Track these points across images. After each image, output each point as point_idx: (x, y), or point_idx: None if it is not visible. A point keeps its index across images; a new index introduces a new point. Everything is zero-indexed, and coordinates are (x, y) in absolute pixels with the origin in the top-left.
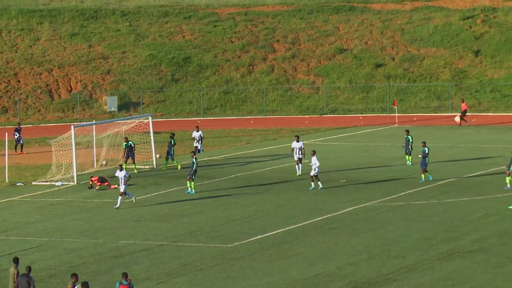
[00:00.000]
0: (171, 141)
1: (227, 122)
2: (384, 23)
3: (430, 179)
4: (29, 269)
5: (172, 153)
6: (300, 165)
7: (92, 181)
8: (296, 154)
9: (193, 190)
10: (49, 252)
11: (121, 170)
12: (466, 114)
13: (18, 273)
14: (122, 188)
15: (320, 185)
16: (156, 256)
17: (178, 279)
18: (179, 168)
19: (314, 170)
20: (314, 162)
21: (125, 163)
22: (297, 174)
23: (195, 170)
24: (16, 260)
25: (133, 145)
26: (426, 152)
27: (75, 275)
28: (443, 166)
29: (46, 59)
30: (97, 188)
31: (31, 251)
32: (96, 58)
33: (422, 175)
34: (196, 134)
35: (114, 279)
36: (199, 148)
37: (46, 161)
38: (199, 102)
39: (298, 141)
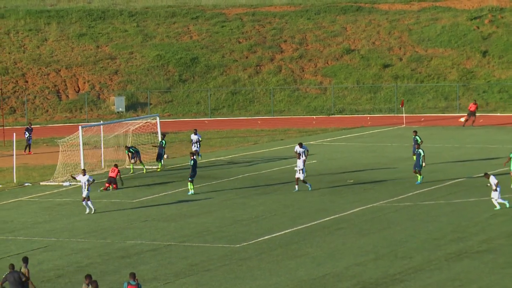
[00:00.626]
0: (162, 143)
1: (235, 123)
2: (392, 23)
3: (418, 183)
4: (12, 266)
5: (162, 154)
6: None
7: (112, 171)
8: (301, 157)
9: (191, 191)
10: (57, 252)
11: (84, 174)
12: (475, 115)
13: (28, 272)
14: (84, 193)
15: (296, 188)
16: (163, 256)
17: (185, 279)
18: (158, 170)
19: (299, 172)
20: (299, 165)
21: (132, 163)
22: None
23: (195, 171)
24: (25, 260)
25: (134, 151)
26: (422, 154)
27: (89, 276)
28: (451, 167)
29: (53, 59)
30: (101, 189)
31: (39, 251)
32: (104, 58)
33: (418, 177)
34: (194, 137)
35: (121, 279)
36: (198, 151)
37: (54, 161)
38: (207, 102)
39: (301, 146)
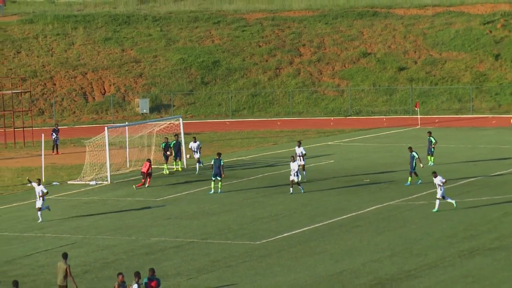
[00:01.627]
0: (179, 143)
1: (255, 124)
2: (407, 27)
3: (419, 183)
4: None
5: (180, 154)
6: (302, 171)
7: (144, 166)
8: (296, 160)
9: (212, 190)
10: (83, 249)
11: (39, 184)
12: None
13: (69, 267)
14: (39, 203)
15: (292, 190)
16: (186, 253)
17: (207, 275)
18: (180, 169)
19: (294, 175)
20: (293, 167)
21: (166, 163)
22: (296, 180)
23: (217, 170)
24: (65, 256)
25: (171, 145)
26: (417, 157)
27: (121, 274)
28: (464, 167)
29: (80, 62)
30: (135, 186)
31: (67, 248)
32: (129, 62)
33: (409, 178)
34: (193, 145)
35: (146, 275)
36: (199, 159)
37: (81, 161)
38: (228, 104)
39: (299, 146)
